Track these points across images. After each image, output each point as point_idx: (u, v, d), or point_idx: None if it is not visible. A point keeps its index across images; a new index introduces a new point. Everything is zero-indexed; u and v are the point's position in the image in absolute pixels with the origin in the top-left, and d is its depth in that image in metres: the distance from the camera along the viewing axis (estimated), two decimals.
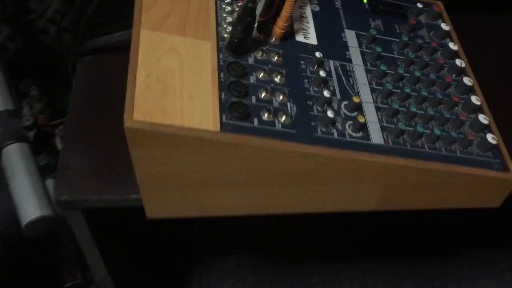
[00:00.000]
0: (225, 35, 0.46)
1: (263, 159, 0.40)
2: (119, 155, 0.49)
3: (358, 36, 0.52)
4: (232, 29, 0.44)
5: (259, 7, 0.45)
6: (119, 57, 0.48)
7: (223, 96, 0.41)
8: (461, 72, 0.51)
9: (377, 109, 0.46)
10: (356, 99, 0.44)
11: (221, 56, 0.44)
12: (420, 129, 0.44)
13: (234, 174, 0.42)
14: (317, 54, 0.47)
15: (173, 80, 0.41)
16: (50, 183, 0.59)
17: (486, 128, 0.48)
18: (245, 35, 0.43)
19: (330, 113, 0.42)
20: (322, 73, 0.45)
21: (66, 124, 0.56)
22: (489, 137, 0.46)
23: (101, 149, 0.52)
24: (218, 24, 0.46)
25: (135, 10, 0.44)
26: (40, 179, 0.58)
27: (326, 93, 0.44)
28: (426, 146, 0.45)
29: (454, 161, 0.45)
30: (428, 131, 0.45)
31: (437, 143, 0.45)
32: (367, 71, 0.49)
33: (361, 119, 0.43)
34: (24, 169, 0.58)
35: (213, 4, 0.47)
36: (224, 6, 0.48)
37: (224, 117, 0.40)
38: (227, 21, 0.47)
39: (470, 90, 0.50)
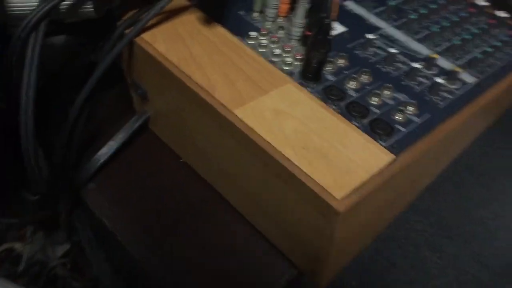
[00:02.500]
0: (288, 68, 0.41)
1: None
2: None
3: (357, 2, 0.51)
4: (307, 56, 0.40)
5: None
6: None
7: (356, 124, 0.38)
8: None
9: (446, 54, 0.47)
10: (434, 55, 0.44)
11: (310, 90, 0.40)
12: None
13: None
14: (369, 35, 0.45)
15: (314, 138, 0.36)
16: None
17: None
18: (325, 55, 0.39)
19: (438, 80, 0.42)
20: (390, 49, 0.44)
21: None
22: None
23: None
24: (272, 63, 0.41)
25: (199, 104, 0.37)
26: None
27: (414, 65, 0.43)
28: None
29: None
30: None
31: None
32: (399, 28, 0.49)
33: (457, 69, 0.43)
34: None
35: (252, 52, 0.42)
36: (259, 47, 0.42)
37: (382, 143, 0.37)
38: (275, 54, 0.42)
39: None
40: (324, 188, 0.33)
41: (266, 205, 0.39)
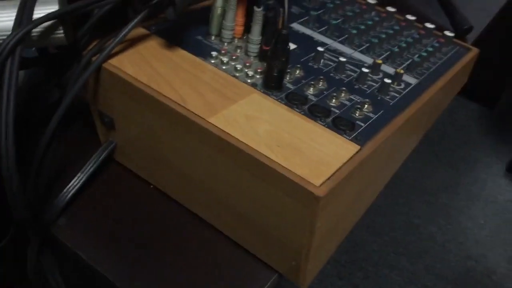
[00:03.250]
0: (251, 81, 0.44)
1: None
2: None
3: (302, 24, 0.56)
4: (269, 66, 0.43)
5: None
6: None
7: (321, 123, 0.41)
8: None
9: (387, 61, 0.52)
10: (379, 61, 0.49)
11: (274, 97, 0.43)
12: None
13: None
14: (319, 48, 0.49)
15: (286, 136, 0.38)
16: None
17: None
18: (285, 64, 0.43)
19: (386, 80, 0.46)
20: (339, 59, 0.48)
21: None
22: None
23: None
24: (236, 77, 0.44)
25: (173, 118, 0.39)
26: None
27: (364, 70, 0.47)
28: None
29: None
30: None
31: None
32: (343, 42, 0.54)
33: (399, 71, 0.48)
34: None
35: (216, 69, 0.45)
36: (221, 64, 0.45)
37: (346, 136, 0.40)
38: (237, 69, 0.45)
39: None
40: (303, 178, 0.35)
41: (245, 211, 0.41)
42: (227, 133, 0.38)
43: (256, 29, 0.46)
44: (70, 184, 0.48)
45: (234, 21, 0.48)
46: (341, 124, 0.41)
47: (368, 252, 1.24)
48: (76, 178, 0.49)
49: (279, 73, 0.43)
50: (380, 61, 0.49)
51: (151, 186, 0.50)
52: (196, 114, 0.39)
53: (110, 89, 0.44)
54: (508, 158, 1.51)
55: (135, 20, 0.41)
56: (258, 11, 0.45)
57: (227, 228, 0.45)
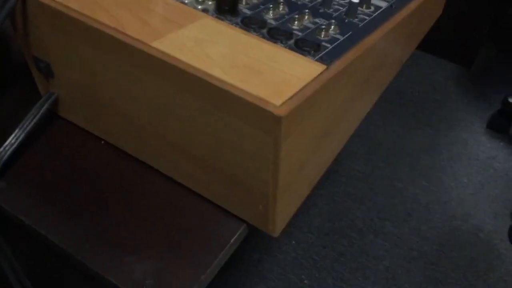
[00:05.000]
0: (202, 7, 0.39)
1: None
2: None
3: None
4: None
5: None
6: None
7: (282, 45, 0.36)
8: None
9: None
10: None
11: (229, 22, 0.38)
12: None
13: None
14: None
15: (242, 58, 0.33)
16: None
17: None
18: None
19: (352, 0, 0.42)
20: None
21: None
22: None
23: None
24: (183, 3, 0.39)
25: (112, 48, 0.34)
26: None
27: None
28: None
29: None
30: None
31: None
32: None
33: None
34: None
35: None
36: None
37: (311, 57, 0.35)
38: None
39: None
40: (261, 98, 0.30)
41: (202, 152, 0.36)
42: (173, 56, 0.33)
43: None
44: (6, 143, 0.43)
45: None
46: (305, 46, 0.36)
47: (351, 219, 1.21)
48: (13, 136, 0.43)
49: None
50: None
51: (102, 142, 0.45)
52: (136, 39, 0.34)
53: (40, 24, 0.39)
54: (488, 115, 1.48)
55: None
56: None
57: (186, 178, 0.40)
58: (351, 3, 0.41)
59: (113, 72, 0.37)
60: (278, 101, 0.30)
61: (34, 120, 0.44)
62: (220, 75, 0.32)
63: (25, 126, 0.44)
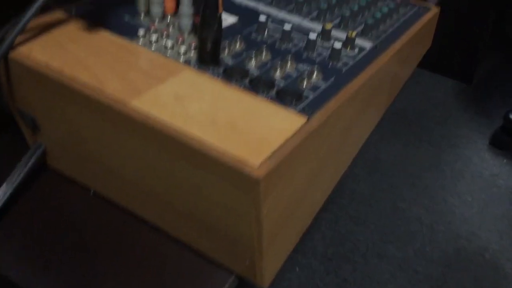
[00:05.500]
0: (184, 58, 0.39)
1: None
2: None
3: None
4: (200, 36, 0.38)
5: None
6: None
7: (264, 96, 0.36)
8: None
9: (339, 26, 0.47)
10: (328, 26, 0.44)
11: (210, 73, 0.38)
12: None
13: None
14: (261, 18, 0.44)
15: (221, 115, 0.33)
16: None
17: None
18: (218, 32, 0.38)
19: (335, 45, 0.41)
20: (285, 27, 0.43)
21: None
22: None
23: None
24: (166, 56, 0.39)
25: (91, 107, 0.34)
26: None
27: (311, 36, 0.42)
28: None
29: None
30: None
31: None
32: (290, 12, 0.49)
33: (352, 35, 0.43)
34: None
35: (143, 48, 0.39)
36: (150, 44, 0.40)
37: (292, 108, 0.35)
38: (168, 46, 0.40)
39: None
40: (239, 159, 0.30)
41: (186, 206, 0.36)
42: (152, 116, 0.32)
43: (186, 0, 0.41)
44: None
45: None
46: (287, 95, 0.36)
47: (354, 243, 1.19)
48: (0, 191, 0.43)
49: (212, 44, 0.38)
50: (329, 26, 0.44)
51: (91, 191, 0.45)
52: (115, 99, 0.34)
53: (23, 82, 0.39)
54: (491, 131, 1.47)
55: (36, 4, 0.36)
56: None
57: (172, 228, 0.40)
58: (333, 49, 0.41)
59: (95, 129, 0.37)
60: (256, 162, 0.30)
61: (22, 174, 0.44)
62: (199, 134, 0.31)
63: (13, 180, 0.43)
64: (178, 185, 0.35)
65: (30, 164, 0.44)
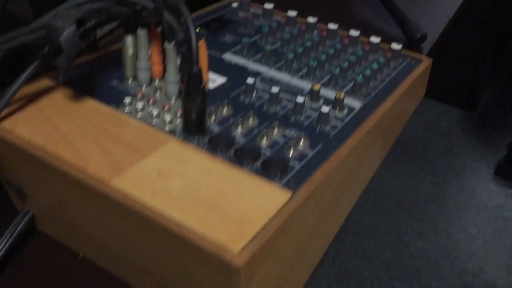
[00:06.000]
0: (170, 127, 0.39)
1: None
2: None
3: (235, 53, 0.51)
4: (185, 109, 0.37)
5: None
6: None
7: (249, 168, 0.35)
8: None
9: (328, 84, 0.47)
10: (316, 87, 0.44)
11: (195, 144, 0.37)
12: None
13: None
14: (249, 80, 0.44)
15: (203, 192, 0.33)
16: None
17: None
18: (202, 105, 0.37)
19: (323, 109, 0.41)
20: (273, 90, 0.43)
21: None
22: None
23: None
24: (152, 125, 0.39)
25: (74, 185, 0.33)
26: None
27: (298, 100, 0.42)
28: None
29: None
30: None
31: None
32: (279, 69, 0.49)
33: (341, 96, 0.43)
34: None
35: (128, 118, 0.39)
36: (136, 112, 0.40)
37: (277, 182, 0.34)
38: (153, 115, 0.39)
39: None
40: (218, 245, 0.29)
41: (169, 281, 0.35)
42: (131, 197, 0.32)
43: (172, 67, 0.41)
44: None
45: (149, 60, 0.43)
46: (272, 167, 0.35)
47: (360, 279, 1.17)
48: None
49: (197, 116, 0.37)
50: (318, 87, 0.44)
51: (80, 256, 0.44)
52: (96, 177, 0.33)
53: (6, 156, 0.39)
54: (495, 161, 1.45)
55: (22, 78, 0.36)
56: (169, 47, 0.40)
57: None
58: (320, 113, 0.41)
59: (78, 202, 0.36)
60: (236, 248, 0.29)
61: (11, 240, 0.43)
62: (179, 217, 0.31)
63: (2, 245, 0.43)
64: (160, 262, 0.34)
65: (18, 230, 0.44)
